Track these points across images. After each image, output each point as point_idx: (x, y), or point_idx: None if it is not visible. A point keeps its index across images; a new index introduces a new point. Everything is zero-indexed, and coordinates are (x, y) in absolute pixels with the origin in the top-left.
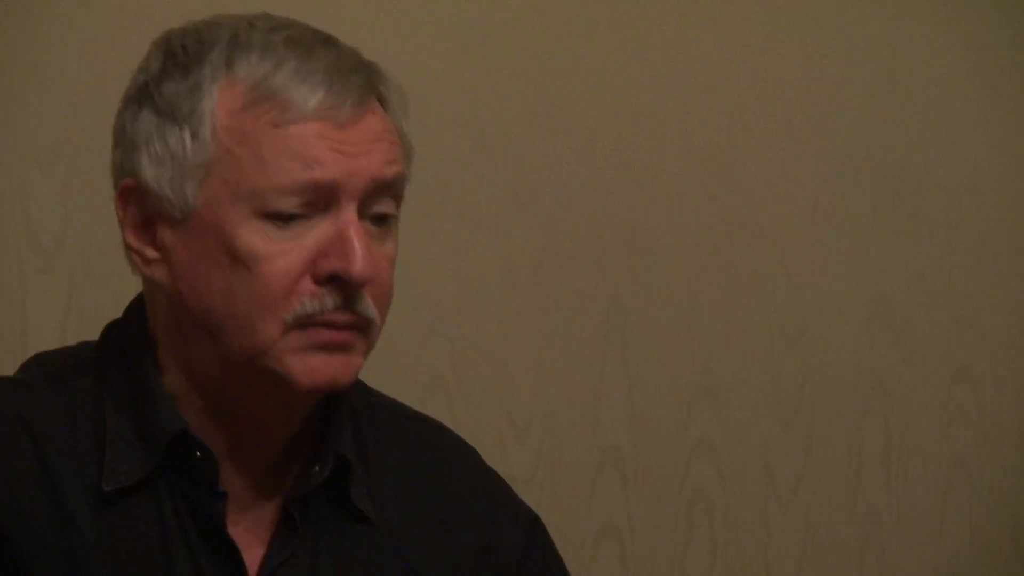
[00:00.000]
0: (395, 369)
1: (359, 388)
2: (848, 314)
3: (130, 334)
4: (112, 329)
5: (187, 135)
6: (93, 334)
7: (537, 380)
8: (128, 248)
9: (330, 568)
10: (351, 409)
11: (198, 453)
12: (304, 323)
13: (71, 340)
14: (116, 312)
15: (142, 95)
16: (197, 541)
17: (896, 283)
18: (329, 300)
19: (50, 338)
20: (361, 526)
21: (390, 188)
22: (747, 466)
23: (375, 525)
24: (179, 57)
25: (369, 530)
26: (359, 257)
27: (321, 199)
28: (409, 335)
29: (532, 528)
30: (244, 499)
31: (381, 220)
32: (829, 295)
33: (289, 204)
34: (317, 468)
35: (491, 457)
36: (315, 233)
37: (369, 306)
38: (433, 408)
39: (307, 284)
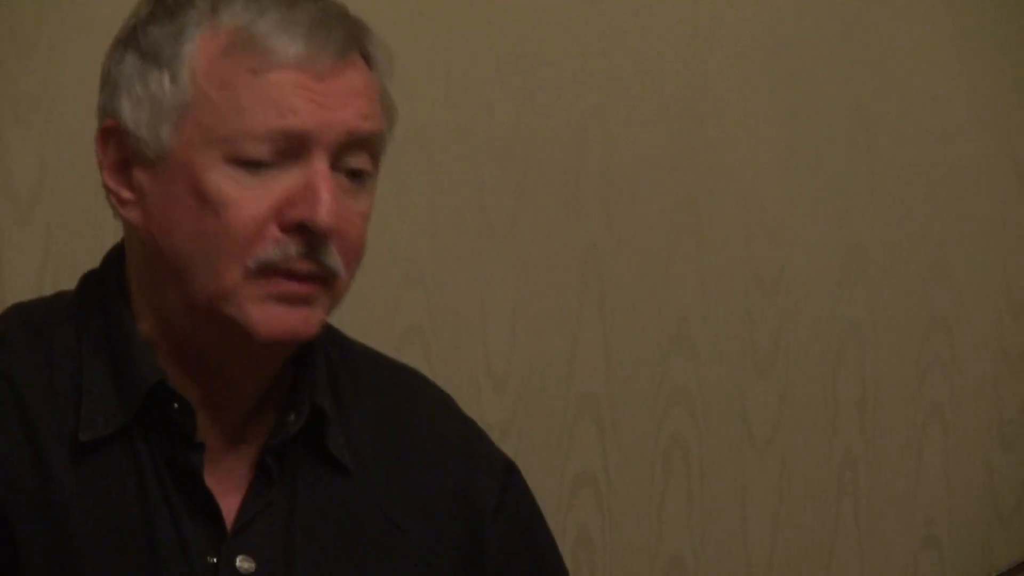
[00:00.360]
0: (372, 319)
1: (335, 337)
2: (824, 262)
3: (108, 283)
4: (89, 279)
5: (167, 78)
6: (70, 284)
7: (514, 329)
8: (106, 189)
9: (307, 517)
10: (326, 358)
11: (175, 405)
12: (267, 271)
13: (48, 291)
14: (93, 263)
15: (129, 38)
16: (174, 491)
17: (872, 231)
18: (292, 247)
19: (27, 289)
20: (338, 475)
21: (366, 144)
22: (723, 414)
23: (352, 474)
24: (167, 2)
25: (346, 479)
26: (325, 206)
27: (293, 148)
28: (386, 285)
29: (508, 475)
30: (220, 450)
31: (356, 176)
32: (805, 243)
33: (260, 151)
34: (292, 417)
35: (468, 406)
36: (284, 182)
37: (334, 257)
38: (410, 357)
39: (272, 231)
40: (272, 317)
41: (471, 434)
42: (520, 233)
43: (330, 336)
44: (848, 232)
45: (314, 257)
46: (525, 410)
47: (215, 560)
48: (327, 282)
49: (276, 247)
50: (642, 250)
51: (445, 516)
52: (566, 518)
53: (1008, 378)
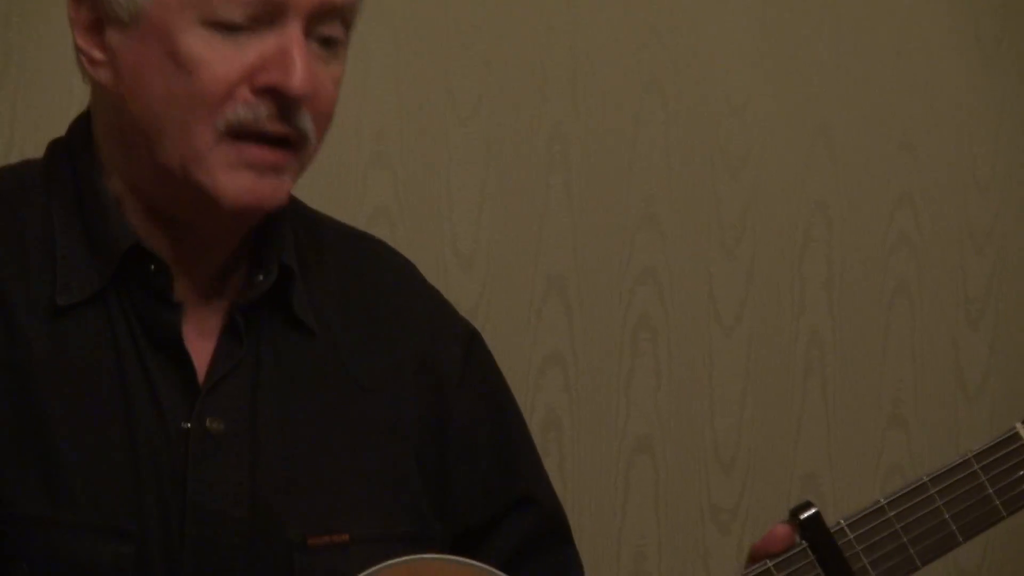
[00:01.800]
0: (338, 199)
1: (301, 208)
2: (790, 141)
3: (75, 149)
4: (56, 145)
5: None
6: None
7: (481, 210)
8: (77, 49)
9: (272, 377)
10: (292, 227)
11: (152, 266)
12: (237, 133)
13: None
14: (59, 133)
15: None
16: (149, 351)
17: (838, 109)
18: (263, 109)
19: None
20: (303, 337)
21: (340, 12)
22: (690, 293)
23: (317, 336)
24: None
25: (311, 341)
26: (298, 73)
27: (268, 14)
28: (353, 165)
29: (471, 341)
30: (191, 309)
31: (328, 43)
32: (771, 122)
33: (235, 14)
34: (261, 277)
35: (436, 286)
36: (258, 46)
37: (306, 120)
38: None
39: (244, 92)
40: (240, 185)
41: (434, 301)
42: (486, 114)
43: (294, 207)
44: (814, 112)
45: (286, 120)
46: (493, 290)
47: (187, 425)
48: (297, 147)
49: (247, 108)
50: (609, 130)
51: (409, 382)
52: (534, 398)
53: (974, 256)
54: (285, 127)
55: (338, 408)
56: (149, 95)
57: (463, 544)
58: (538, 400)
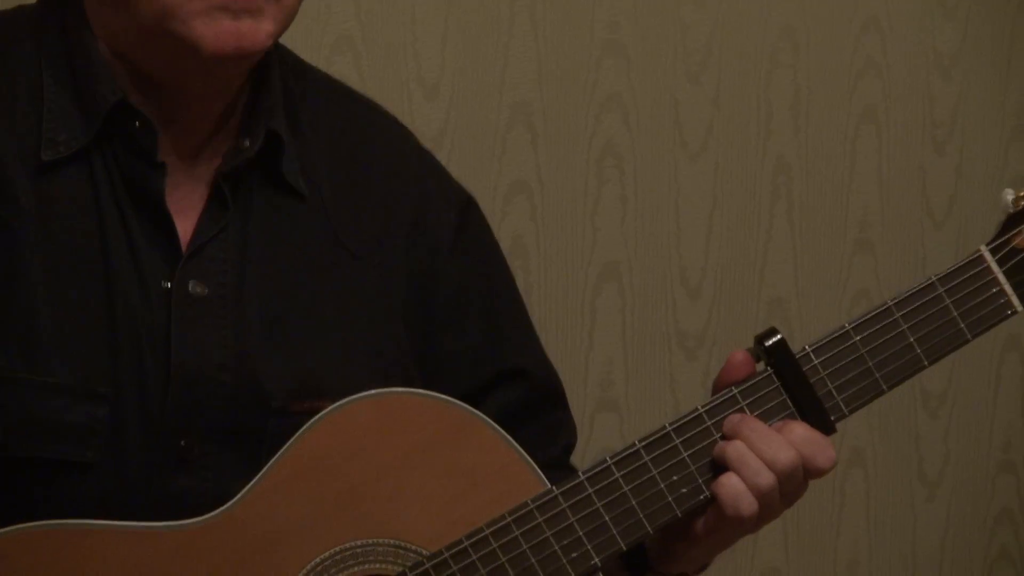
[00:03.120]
0: (301, 30)
1: (295, 64)
2: None
3: (67, 4)
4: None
5: None
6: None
7: (446, 38)
8: None
9: (260, 242)
10: (284, 86)
11: (137, 123)
12: None
13: None
14: None
15: None
16: (131, 213)
17: None
18: None
19: None
20: (292, 202)
21: None
22: (656, 120)
23: (306, 201)
24: None
25: (300, 206)
26: None
27: None
28: None
29: (466, 208)
30: (177, 173)
31: None
32: None
33: None
34: (247, 142)
35: (400, 116)
36: None
37: None
38: (340, 68)
39: None
40: (217, 30)
41: (429, 167)
42: None
43: (292, 66)
44: None
45: None
46: (458, 118)
47: (168, 285)
48: None
49: None
50: None
51: (400, 246)
52: (500, 225)
53: (940, 81)
54: None
55: (326, 275)
56: None
57: None
58: (504, 228)
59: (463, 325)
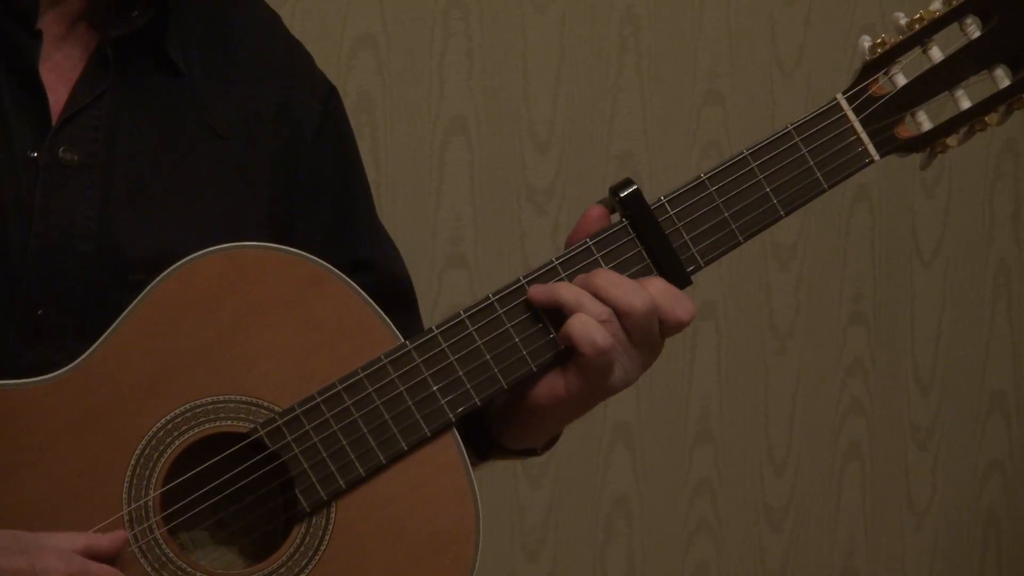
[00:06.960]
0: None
1: None
2: None
3: None
4: None
5: None
6: None
7: None
8: None
9: (132, 115)
10: None
11: None
12: None
13: None
14: None
15: None
16: (2, 80)
17: None
18: None
19: None
20: (167, 80)
21: None
22: None
23: (182, 79)
24: None
25: (174, 84)
26: None
27: None
28: None
29: (330, 98)
30: (57, 40)
31: None
32: None
33: None
34: (136, 12)
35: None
36: None
37: None
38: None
39: None
40: None
41: (297, 53)
42: None
43: None
44: None
45: None
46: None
47: (35, 155)
48: None
49: None
50: None
51: (266, 130)
52: (345, 81)
53: None
54: None
55: (192, 152)
56: None
57: None
58: (349, 83)
59: (317, 208)
